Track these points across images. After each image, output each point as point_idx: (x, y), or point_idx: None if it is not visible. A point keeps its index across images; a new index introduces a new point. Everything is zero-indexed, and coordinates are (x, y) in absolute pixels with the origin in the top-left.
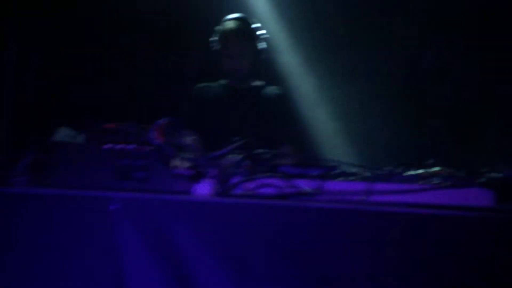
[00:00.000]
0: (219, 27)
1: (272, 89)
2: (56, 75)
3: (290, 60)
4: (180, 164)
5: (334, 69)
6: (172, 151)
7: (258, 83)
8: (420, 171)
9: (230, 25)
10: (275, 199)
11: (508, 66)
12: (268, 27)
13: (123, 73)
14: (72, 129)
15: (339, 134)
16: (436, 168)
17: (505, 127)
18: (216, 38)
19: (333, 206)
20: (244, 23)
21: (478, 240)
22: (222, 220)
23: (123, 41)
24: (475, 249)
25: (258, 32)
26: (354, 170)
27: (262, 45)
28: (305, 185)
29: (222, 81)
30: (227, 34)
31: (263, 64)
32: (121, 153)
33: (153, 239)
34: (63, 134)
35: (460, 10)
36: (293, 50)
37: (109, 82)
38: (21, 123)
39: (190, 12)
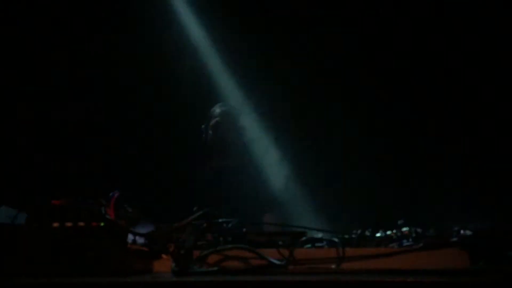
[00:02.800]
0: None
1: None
2: None
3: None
4: (135, 240)
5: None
6: (126, 227)
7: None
8: (390, 232)
9: (218, 113)
10: (243, 274)
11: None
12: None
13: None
14: (13, 208)
15: (305, 199)
16: (406, 229)
17: (470, 183)
18: (205, 126)
19: (305, 279)
20: (230, 112)
21: None
22: None
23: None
24: None
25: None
26: (323, 236)
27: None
28: (274, 255)
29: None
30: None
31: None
32: (70, 232)
33: None
34: (2, 214)
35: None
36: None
37: (53, 156)
38: None
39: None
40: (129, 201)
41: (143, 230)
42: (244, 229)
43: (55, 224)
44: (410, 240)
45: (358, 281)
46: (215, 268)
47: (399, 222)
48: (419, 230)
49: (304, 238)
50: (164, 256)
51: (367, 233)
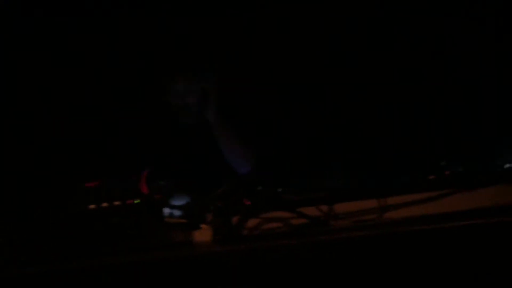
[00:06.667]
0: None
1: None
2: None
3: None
4: (172, 213)
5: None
6: (161, 201)
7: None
8: (431, 175)
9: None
10: (286, 237)
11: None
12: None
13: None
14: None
15: (330, 144)
16: (448, 170)
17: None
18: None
19: (350, 234)
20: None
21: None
22: (233, 270)
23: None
24: None
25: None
26: (361, 186)
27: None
28: (313, 212)
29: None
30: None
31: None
32: (107, 213)
33: None
34: None
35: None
36: None
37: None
38: None
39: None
40: (161, 175)
41: (179, 202)
42: (280, 189)
43: (92, 206)
44: (456, 181)
45: (404, 231)
46: (258, 232)
47: (442, 163)
48: (461, 170)
49: (343, 191)
50: (203, 226)
51: (409, 178)
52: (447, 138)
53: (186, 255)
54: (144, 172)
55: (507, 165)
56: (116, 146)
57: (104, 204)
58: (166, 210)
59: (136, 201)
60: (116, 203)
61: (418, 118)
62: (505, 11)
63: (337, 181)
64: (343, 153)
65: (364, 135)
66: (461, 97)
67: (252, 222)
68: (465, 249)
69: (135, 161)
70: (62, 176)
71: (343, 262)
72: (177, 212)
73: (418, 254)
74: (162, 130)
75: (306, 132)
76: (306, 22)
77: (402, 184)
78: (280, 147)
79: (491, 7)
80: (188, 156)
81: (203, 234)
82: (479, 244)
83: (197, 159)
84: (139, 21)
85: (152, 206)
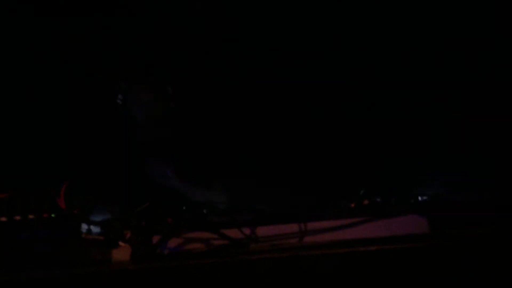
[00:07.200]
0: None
1: None
2: None
3: None
4: (90, 230)
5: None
6: (80, 216)
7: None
8: (351, 203)
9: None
10: (206, 257)
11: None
12: None
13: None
14: None
15: (261, 171)
16: (366, 199)
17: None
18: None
19: (268, 256)
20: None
21: (420, 270)
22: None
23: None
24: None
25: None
26: (284, 210)
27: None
28: (235, 234)
29: None
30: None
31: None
32: (20, 226)
33: None
34: None
35: None
36: None
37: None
38: None
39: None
40: (81, 189)
41: (98, 218)
42: (204, 210)
43: (2, 219)
44: (373, 209)
45: (321, 254)
46: (175, 252)
47: (361, 191)
48: (379, 199)
49: (266, 214)
50: (122, 244)
51: (330, 205)
52: (367, 168)
53: (102, 272)
54: (63, 184)
55: (420, 198)
56: (34, 154)
57: (17, 217)
58: (84, 226)
59: (52, 215)
60: (30, 216)
61: (341, 149)
62: None
63: (261, 204)
64: (270, 177)
65: (292, 162)
66: (384, 130)
67: (173, 242)
68: (378, 273)
69: (53, 172)
70: None
71: (260, 282)
72: (95, 229)
73: (333, 276)
74: (84, 140)
75: (232, 152)
76: None
77: (323, 210)
78: (209, 167)
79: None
80: (110, 170)
81: (122, 253)
82: (390, 268)
83: (119, 173)
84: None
85: (69, 221)
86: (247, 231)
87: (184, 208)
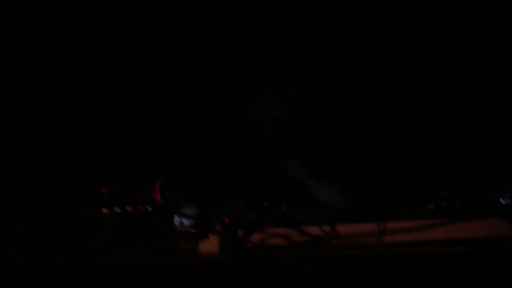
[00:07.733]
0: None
1: None
2: None
3: None
4: (182, 222)
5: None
6: (172, 209)
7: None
8: (431, 205)
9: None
10: (287, 251)
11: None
12: None
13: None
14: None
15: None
16: (446, 201)
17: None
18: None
19: (348, 253)
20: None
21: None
22: (234, 277)
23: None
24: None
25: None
26: (364, 209)
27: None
28: (315, 231)
29: None
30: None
31: None
32: (120, 217)
33: None
34: None
35: None
36: None
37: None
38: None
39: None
40: (174, 184)
41: (189, 211)
42: (284, 208)
43: (104, 210)
44: (453, 211)
45: (400, 253)
46: (261, 245)
47: (440, 193)
48: (459, 201)
49: (346, 213)
50: (210, 236)
51: (410, 206)
52: (447, 170)
53: (193, 261)
54: (158, 180)
55: (502, 201)
56: (131, 152)
57: (116, 209)
58: (177, 219)
59: (148, 208)
60: (128, 208)
61: (421, 149)
62: None
63: (340, 204)
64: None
65: (369, 162)
66: (464, 132)
67: (257, 236)
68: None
69: (148, 168)
70: (77, 178)
71: (343, 276)
72: (187, 221)
73: (414, 276)
74: (178, 141)
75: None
76: None
77: (402, 210)
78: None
79: None
80: (201, 168)
81: (210, 244)
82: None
83: (208, 171)
84: None
85: (164, 214)
86: (326, 228)
87: (265, 205)
